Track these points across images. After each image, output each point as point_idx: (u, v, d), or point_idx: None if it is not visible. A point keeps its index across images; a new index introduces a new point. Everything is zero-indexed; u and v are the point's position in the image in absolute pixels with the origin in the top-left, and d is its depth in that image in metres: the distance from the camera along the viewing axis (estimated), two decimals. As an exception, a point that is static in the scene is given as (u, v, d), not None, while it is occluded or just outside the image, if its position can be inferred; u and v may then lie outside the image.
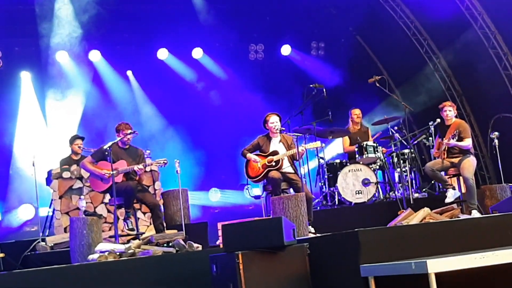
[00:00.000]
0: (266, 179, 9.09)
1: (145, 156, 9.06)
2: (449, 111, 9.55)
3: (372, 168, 10.76)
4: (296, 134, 9.90)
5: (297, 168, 9.24)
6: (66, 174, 9.68)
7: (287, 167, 9.12)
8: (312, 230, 8.48)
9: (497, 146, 10.15)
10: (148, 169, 9.04)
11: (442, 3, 13.13)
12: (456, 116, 9.74)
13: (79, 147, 10.31)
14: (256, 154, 9.24)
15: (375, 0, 14.33)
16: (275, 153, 9.14)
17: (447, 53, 14.36)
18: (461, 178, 9.55)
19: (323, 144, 10.04)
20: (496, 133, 10.30)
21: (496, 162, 10.37)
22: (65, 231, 9.21)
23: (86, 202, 9.51)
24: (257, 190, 10.31)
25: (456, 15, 13.22)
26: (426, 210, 7.76)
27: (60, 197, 9.61)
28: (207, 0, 13.72)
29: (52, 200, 9.69)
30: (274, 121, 9.22)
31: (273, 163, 9.04)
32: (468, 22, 13.24)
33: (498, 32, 13.11)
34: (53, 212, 9.67)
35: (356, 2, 14.14)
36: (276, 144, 9.25)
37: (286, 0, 14.20)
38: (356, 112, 11.68)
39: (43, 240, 9.00)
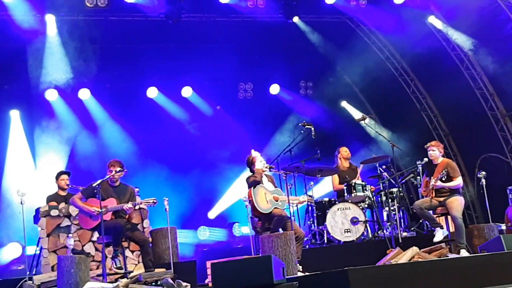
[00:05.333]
0: (270, 215, 9.04)
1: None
2: (433, 151, 9.61)
3: (361, 207, 10.78)
4: (284, 172, 9.93)
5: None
6: (54, 212, 9.62)
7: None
8: (300, 268, 8.45)
9: (484, 186, 10.19)
10: (137, 207, 9.03)
11: (429, 44, 13.34)
12: (443, 156, 9.81)
13: (65, 182, 10.27)
14: None
15: (363, 40, 14.55)
16: (277, 192, 9.18)
17: (434, 94, 14.53)
18: (449, 217, 9.58)
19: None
20: (483, 172, 10.35)
21: (484, 202, 10.40)
22: (53, 270, 9.13)
23: (74, 240, 9.45)
24: (246, 229, 10.29)
25: (443, 56, 13.44)
26: (414, 249, 7.80)
27: (48, 235, 9.54)
28: (196, 40, 13.84)
29: (39, 238, 9.62)
30: (262, 159, 9.23)
31: (280, 203, 9.07)
32: (455, 64, 13.44)
33: (484, 73, 13.30)
34: (41, 251, 9.58)
35: (344, 42, 14.33)
36: (266, 183, 9.25)
37: (274, 39, 14.35)
38: (345, 149, 11.76)
39: (30, 279, 8.88)
